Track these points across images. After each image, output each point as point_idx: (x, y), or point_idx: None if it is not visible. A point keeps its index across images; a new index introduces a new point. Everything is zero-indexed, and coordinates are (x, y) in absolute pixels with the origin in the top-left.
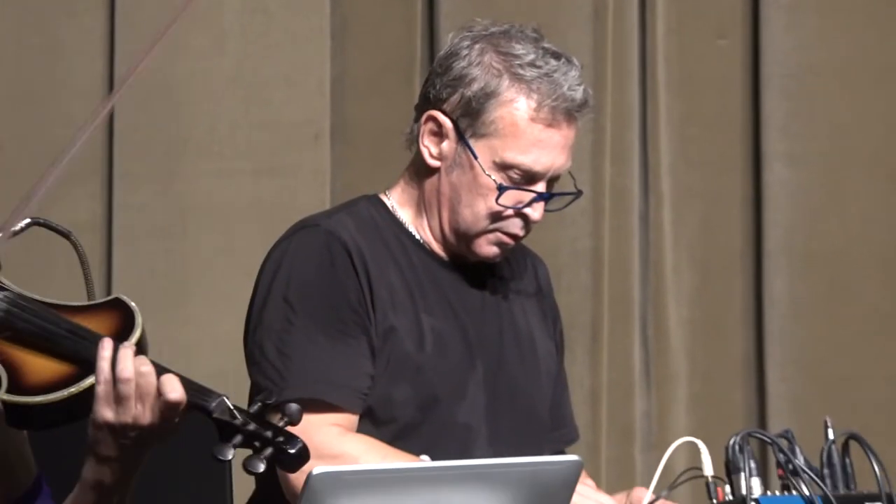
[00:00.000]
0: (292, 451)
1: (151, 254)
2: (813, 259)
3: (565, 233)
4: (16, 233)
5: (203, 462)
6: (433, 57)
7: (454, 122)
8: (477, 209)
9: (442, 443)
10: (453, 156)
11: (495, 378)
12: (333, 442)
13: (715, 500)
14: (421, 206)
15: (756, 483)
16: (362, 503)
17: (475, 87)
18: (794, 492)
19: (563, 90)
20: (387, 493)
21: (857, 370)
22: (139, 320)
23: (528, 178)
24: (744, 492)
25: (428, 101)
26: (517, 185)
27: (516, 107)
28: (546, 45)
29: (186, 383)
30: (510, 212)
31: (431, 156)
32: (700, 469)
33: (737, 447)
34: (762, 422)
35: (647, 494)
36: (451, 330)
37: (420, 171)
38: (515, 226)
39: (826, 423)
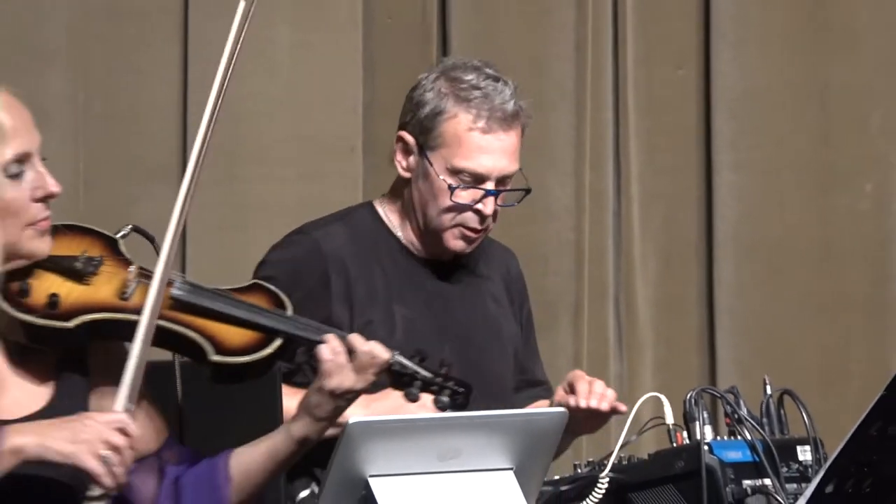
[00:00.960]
0: (461, 390)
1: (217, 246)
2: (754, 248)
3: (552, 227)
4: (123, 236)
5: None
6: None
7: (415, 139)
8: (438, 209)
9: None
10: (417, 167)
11: (465, 355)
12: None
13: (675, 444)
14: (403, 212)
15: (708, 430)
16: (389, 446)
17: (427, 108)
18: (738, 437)
19: (496, 103)
20: (407, 438)
21: (791, 338)
22: (287, 301)
23: (477, 179)
24: (698, 437)
25: (400, 126)
26: (467, 185)
27: (458, 120)
28: (488, 71)
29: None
30: (466, 208)
31: (403, 169)
32: (663, 419)
33: (692, 401)
34: (713, 380)
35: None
36: (423, 318)
37: (399, 183)
38: (473, 220)
39: (765, 381)
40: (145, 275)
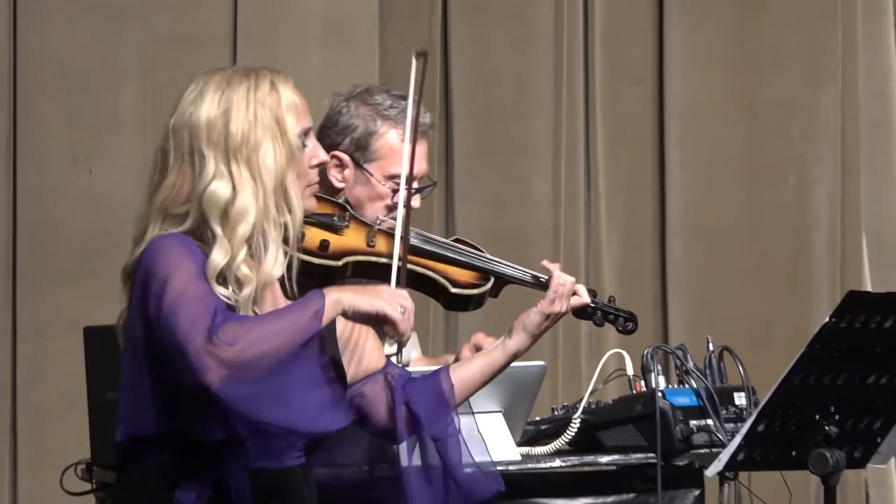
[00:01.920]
0: (631, 317)
1: None
2: (698, 231)
3: (535, 214)
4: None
5: None
6: (448, 107)
7: (350, 156)
8: (383, 207)
9: None
10: (353, 178)
11: None
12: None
13: (634, 391)
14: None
15: (661, 380)
16: None
17: (360, 130)
18: (686, 385)
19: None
20: None
21: (729, 304)
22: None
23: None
24: (653, 386)
25: (326, 147)
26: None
27: (388, 136)
28: (394, 92)
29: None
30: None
31: (338, 181)
32: (624, 370)
33: (648, 356)
34: (665, 339)
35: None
36: None
37: (331, 192)
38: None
39: (707, 339)
40: (381, 230)
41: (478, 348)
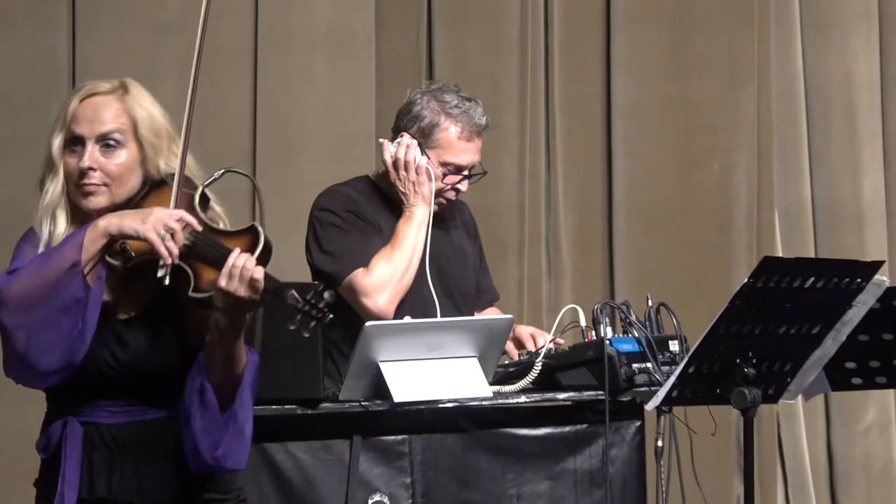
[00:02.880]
0: (326, 321)
1: (279, 201)
2: (640, 208)
3: (504, 194)
4: (215, 180)
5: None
6: None
7: (415, 138)
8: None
9: (414, 310)
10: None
11: (442, 272)
12: (368, 278)
13: (586, 339)
14: (390, 185)
15: (609, 330)
16: (393, 341)
17: (426, 121)
18: (629, 335)
19: (475, 120)
20: (406, 336)
21: (664, 268)
22: (261, 240)
23: (458, 169)
24: (602, 335)
25: (398, 129)
26: (451, 172)
27: (449, 131)
28: (462, 94)
29: (271, 280)
30: (449, 187)
31: (391, 155)
32: (578, 323)
33: (598, 310)
34: (612, 296)
35: (549, 337)
36: None
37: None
38: (451, 194)
39: (647, 297)
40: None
41: (516, 342)
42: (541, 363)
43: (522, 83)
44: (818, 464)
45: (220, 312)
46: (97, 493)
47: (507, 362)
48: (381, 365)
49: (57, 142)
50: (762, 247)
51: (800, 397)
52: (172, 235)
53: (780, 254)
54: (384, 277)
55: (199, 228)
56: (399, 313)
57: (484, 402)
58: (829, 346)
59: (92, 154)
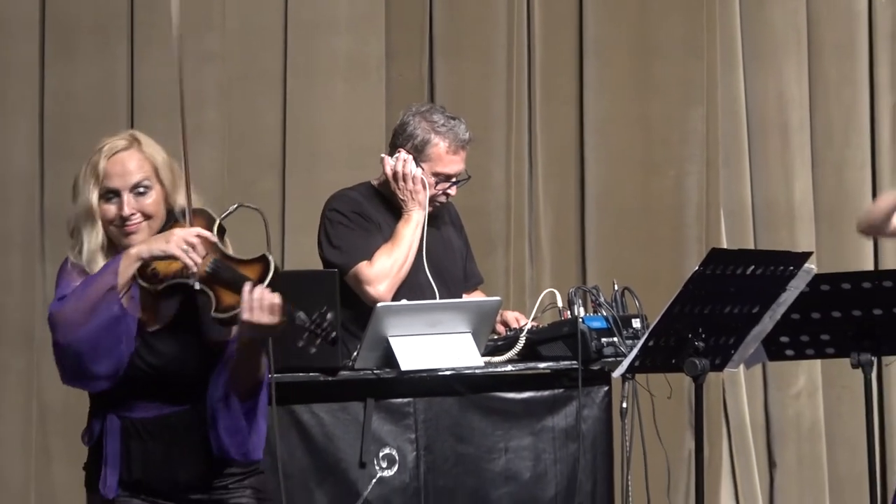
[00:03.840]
0: (329, 339)
1: (306, 200)
2: (608, 208)
3: (493, 195)
4: (229, 214)
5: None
6: None
7: (410, 153)
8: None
9: (412, 295)
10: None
11: (436, 262)
12: (371, 269)
13: (562, 318)
14: (390, 191)
15: (581, 310)
16: (400, 319)
17: (418, 138)
18: (598, 313)
19: (460, 136)
20: (411, 315)
21: (628, 259)
22: (272, 268)
23: (447, 177)
24: (576, 314)
25: (395, 145)
26: (441, 181)
27: (439, 146)
28: (447, 114)
29: (285, 304)
30: (440, 192)
31: (390, 167)
32: (556, 304)
33: (573, 293)
34: (584, 281)
35: (530, 318)
36: None
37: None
38: (442, 199)
39: (613, 282)
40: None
41: (504, 323)
42: (524, 338)
43: (509, 102)
44: (757, 423)
45: (247, 336)
46: (134, 476)
47: (496, 337)
48: (391, 339)
49: (94, 197)
50: (710, 240)
51: (741, 366)
52: (193, 248)
53: (725, 246)
54: (384, 269)
55: (214, 239)
56: (397, 299)
57: (477, 371)
58: (767, 323)
59: (128, 202)
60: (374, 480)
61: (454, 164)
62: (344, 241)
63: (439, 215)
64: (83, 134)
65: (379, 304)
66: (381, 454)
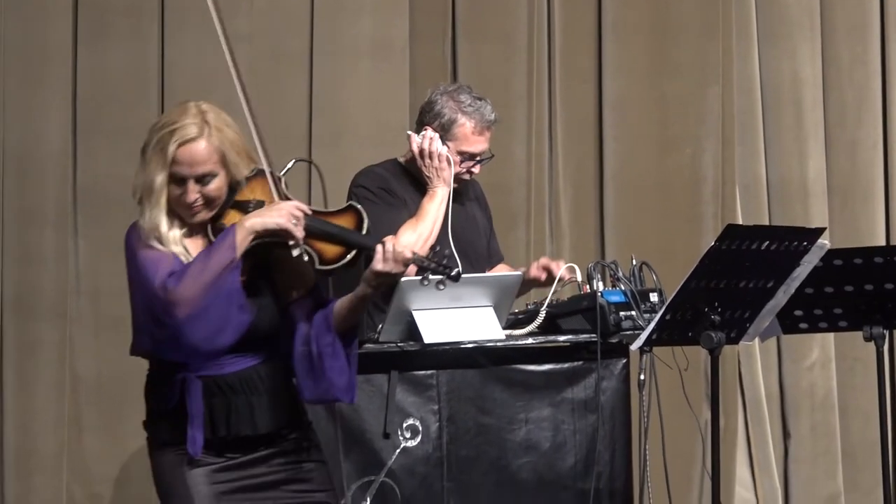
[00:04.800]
0: (453, 275)
1: (335, 174)
2: (626, 185)
3: (515, 173)
4: (288, 170)
5: None
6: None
7: (436, 131)
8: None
9: None
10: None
11: (460, 238)
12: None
13: (582, 292)
14: (416, 168)
15: (600, 284)
16: (424, 293)
17: (445, 117)
18: (617, 287)
19: (486, 116)
20: (434, 289)
21: (646, 233)
22: (364, 216)
23: (472, 156)
24: (595, 288)
25: (422, 123)
26: (466, 159)
27: (465, 126)
28: (474, 94)
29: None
30: (465, 171)
31: (417, 145)
32: (575, 278)
33: (592, 268)
34: (603, 256)
35: (550, 291)
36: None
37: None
38: (466, 176)
39: (632, 257)
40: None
41: (545, 268)
42: (545, 311)
43: (529, 82)
44: (771, 394)
45: (370, 288)
46: (219, 433)
47: (516, 311)
48: (414, 313)
49: (160, 178)
50: (725, 216)
51: (756, 339)
52: (299, 220)
53: (740, 222)
54: (409, 243)
55: (309, 210)
56: None
57: (498, 344)
58: (781, 297)
59: (192, 189)
60: (398, 450)
61: (479, 144)
62: (370, 215)
63: (464, 192)
64: (115, 113)
65: (402, 279)
66: (404, 425)
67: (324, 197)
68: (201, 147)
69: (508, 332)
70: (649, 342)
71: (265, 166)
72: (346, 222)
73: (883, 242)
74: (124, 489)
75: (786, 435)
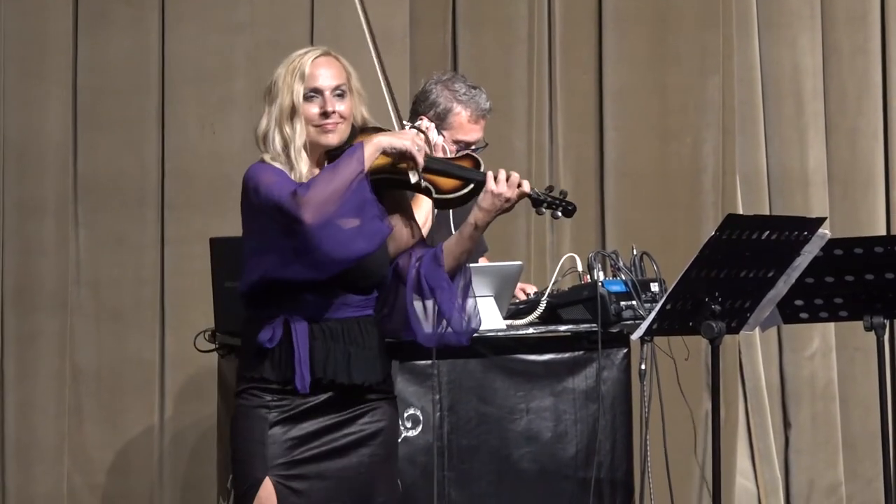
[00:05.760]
0: (569, 208)
1: None
2: (626, 173)
3: (515, 162)
4: (413, 126)
5: None
6: None
7: (432, 121)
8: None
9: None
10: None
11: (459, 227)
12: None
13: (583, 282)
14: None
15: (601, 274)
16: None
17: (441, 107)
18: (618, 277)
19: (481, 105)
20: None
21: (646, 223)
22: (480, 161)
23: (467, 145)
24: (595, 278)
25: (417, 113)
26: (462, 148)
27: (461, 115)
28: (469, 83)
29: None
30: None
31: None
32: (576, 268)
33: (592, 258)
34: (603, 246)
35: (549, 283)
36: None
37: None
38: None
39: (632, 247)
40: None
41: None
42: (545, 301)
43: (530, 72)
44: (772, 383)
45: (483, 212)
46: (315, 375)
47: (517, 301)
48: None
49: (300, 93)
50: (726, 206)
51: (757, 329)
52: (421, 148)
53: (740, 212)
54: None
55: (423, 146)
56: None
57: (499, 333)
58: (781, 287)
59: (330, 101)
60: (399, 440)
61: (474, 133)
62: None
63: None
64: (116, 104)
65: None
66: (405, 414)
67: (416, 166)
68: (331, 61)
69: (509, 321)
70: (650, 332)
71: (392, 111)
72: (463, 164)
73: (883, 232)
74: (125, 479)
75: (786, 425)
